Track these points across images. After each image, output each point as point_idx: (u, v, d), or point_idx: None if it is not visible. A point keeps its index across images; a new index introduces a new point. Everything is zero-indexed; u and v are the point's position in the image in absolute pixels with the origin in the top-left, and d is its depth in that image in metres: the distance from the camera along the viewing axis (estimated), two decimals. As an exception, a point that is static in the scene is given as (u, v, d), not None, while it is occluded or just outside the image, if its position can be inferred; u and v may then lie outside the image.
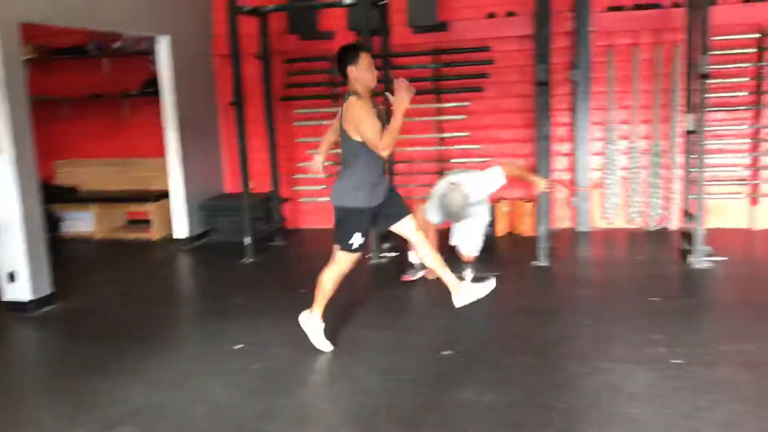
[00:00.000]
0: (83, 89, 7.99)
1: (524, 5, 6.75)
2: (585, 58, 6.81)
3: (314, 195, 7.66)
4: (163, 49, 6.85)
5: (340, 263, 3.96)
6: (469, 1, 7.07)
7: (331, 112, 7.42)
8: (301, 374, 3.77)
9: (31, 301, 5.03)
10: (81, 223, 7.79)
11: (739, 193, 6.77)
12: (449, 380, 3.54)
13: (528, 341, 4.12)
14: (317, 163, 4.37)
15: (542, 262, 5.82)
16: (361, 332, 4.36)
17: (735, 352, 3.75)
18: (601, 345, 3.97)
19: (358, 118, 3.67)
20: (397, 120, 3.61)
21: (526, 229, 7.00)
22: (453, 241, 5.96)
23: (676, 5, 6.48)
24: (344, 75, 3.83)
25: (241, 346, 4.19)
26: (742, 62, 6.51)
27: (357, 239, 3.88)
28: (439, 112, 7.27)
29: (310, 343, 4.03)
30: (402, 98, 3.61)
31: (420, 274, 5.49)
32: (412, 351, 3.99)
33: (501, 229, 7.09)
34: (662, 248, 6.25)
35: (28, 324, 4.91)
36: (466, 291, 4.25)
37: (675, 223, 6.89)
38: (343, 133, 3.83)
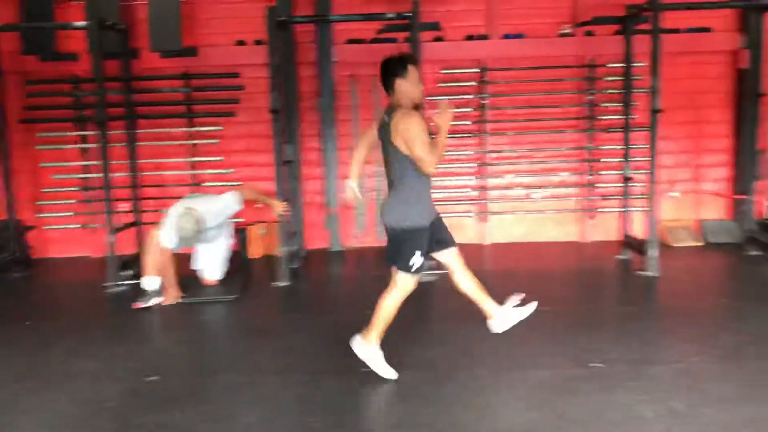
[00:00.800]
0: None
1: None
2: (329, 87, 7.19)
3: (62, 222, 7.31)
4: None
5: (402, 287, 3.75)
6: (218, 28, 7.20)
7: (77, 135, 7.19)
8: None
9: None
10: None
11: (470, 211, 7.46)
12: (146, 405, 3.55)
13: (237, 360, 4.25)
14: (352, 191, 3.98)
15: (283, 282, 6.01)
16: (73, 361, 4.23)
17: (421, 359, 4.14)
18: (303, 360, 4.20)
19: (413, 134, 3.47)
20: (443, 139, 3.54)
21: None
22: (195, 265, 6.00)
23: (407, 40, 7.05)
24: (389, 87, 3.63)
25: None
26: (466, 94, 7.22)
27: (417, 259, 3.71)
28: (192, 136, 7.27)
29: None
30: (447, 117, 3.57)
31: (154, 301, 5.43)
32: (118, 378, 3.95)
33: (256, 251, 7.22)
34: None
35: None
36: (505, 316, 4.07)
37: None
38: (392, 149, 3.60)
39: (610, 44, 6.95)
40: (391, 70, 3.61)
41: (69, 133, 7.15)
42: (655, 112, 5.82)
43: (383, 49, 7.00)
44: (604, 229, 7.41)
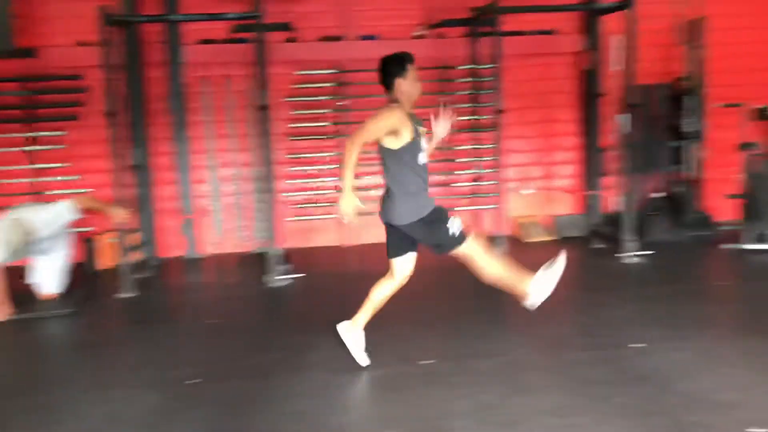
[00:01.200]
0: None
1: (115, 34, 6.68)
2: (179, 88, 6.96)
3: None
4: None
5: (476, 254, 3.68)
6: (59, 28, 6.81)
7: None
8: None
9: None
10: None
11: (330, 214, 7.42)
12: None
13: (53, 378, 4.00)
14: (351, 202, 3.64)
15: (127, 293, 5.75)
16: None
17: (248, 366, 4.04)
18: (125, 375, 4.01)
19: (368, 121, 3.53)
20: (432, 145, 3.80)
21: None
22: (31, 279, 5.64)
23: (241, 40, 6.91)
24: (388, 86, 3.66)
25: None
26: (322, 95, 7.17)
27: (455, 224, 3.66)
28: (33, 141, 6.84)
29: None
30: (445, 126, 3.85)
31: None
32: None
33: (105, 262, 6.87)
34: (256, 270, 6.53)
35: None
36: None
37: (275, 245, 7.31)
38: (380, 145, 3.65)
39: (462, 46, 7.10)
40: (391, 69, 3.66)
41: None
42: (498, 112, 5.96)
43: (235, 50, 6.93)
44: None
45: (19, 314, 5.17)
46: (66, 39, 6.78)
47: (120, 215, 5.66)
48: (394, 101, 3.68)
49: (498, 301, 5.22)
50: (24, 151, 6.83)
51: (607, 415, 3.19)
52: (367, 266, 6.78)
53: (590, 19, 7.23)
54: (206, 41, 6.94)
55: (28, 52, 6.64)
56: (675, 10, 7.15)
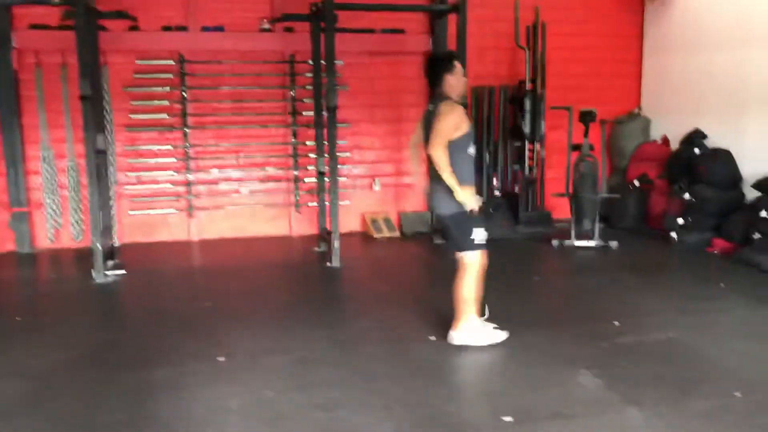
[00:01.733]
0: None
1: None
2: (8, 75, 6.62)
3: None
4: None
5: (471, 267, 3.93)
6: None
7: None
8: None
9: None
10: None
11: (173, 207, 7.26)
12: None
13: None
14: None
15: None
16: None
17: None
18: None
19: (442, 124, 3.76)
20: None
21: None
22: None
23: (100, 28, 6.68)
24: (437, 82, 3.92)
25: None
26: (164, 86, 7.01)
27: (479, 233, 3.92)
28: None
29: None
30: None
31: None
32: None
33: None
34: (86, 265, 6.29)
35: None
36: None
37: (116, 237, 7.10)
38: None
39: (308, 41, 7.10)
40: (441, 66, 3.96)
41: None
42: (330, 109, 6.01)
43: (71, 36, 6.65)
44: (312, 222, 7.56)
45: None
46: None
47: None
48: (443, 97, 3.93)
49: (319, 299, 5.33)
50: None
51: (374, 408, 3.28)
52: (205, 261, 6.72)
53: (435, 20, 7.39)
54: (37, 26, 6.62)
55: None
56: (518, 14, 7.42)
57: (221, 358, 3.96)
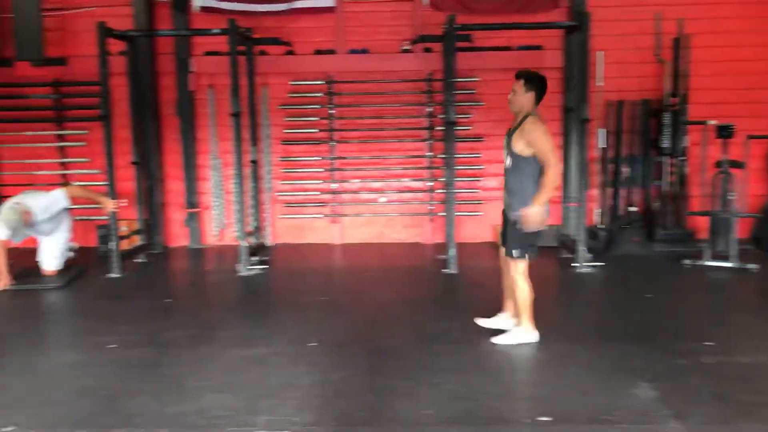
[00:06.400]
0: None
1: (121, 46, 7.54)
2: (187, 95, 7.76)
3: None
4: None
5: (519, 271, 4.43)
6: (87, 39, 7.72)
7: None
8: None
9: None
10: None
11: (321, 213, 8.01)
12: None
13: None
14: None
15: (114, 274, 6.56)
16: None
17: (162, 338, 4.70)
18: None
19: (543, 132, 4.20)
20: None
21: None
22: (38, 256, 6.56)
23: (262, 53, 7.63)
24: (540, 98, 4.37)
25: None
26: (315, 104, 7.79)
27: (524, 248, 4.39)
28: (62, 139, 7.85)
29: None
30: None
31: None
32: None
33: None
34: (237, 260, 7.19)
35: None
36: (513, 335, 4.49)
37: (269, 238, 8.00)
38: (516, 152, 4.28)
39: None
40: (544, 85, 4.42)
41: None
42: (449, 124, 6.36)
43: (238, 61, 7.62)
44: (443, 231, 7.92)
45: (16, 285, 6.07)
46: (90, 50, 7.68)
47: (109, 205, 6.49)
48: (532, 114, 4.31)
49: (420, 300, 5.69)
50: (54, 147, 7.85)
51: (422, 398, 3.61)
52: (339, 262, 7.34)
53: (567, 36, 7.45)
54: (210, 53, 7.70)
55: (58, 61, 7.63)
56: (659, 27, 7.27)
57: (313, 344, 4.49)
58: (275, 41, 7.40)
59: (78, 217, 7.36)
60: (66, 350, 4.51)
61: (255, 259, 6.74)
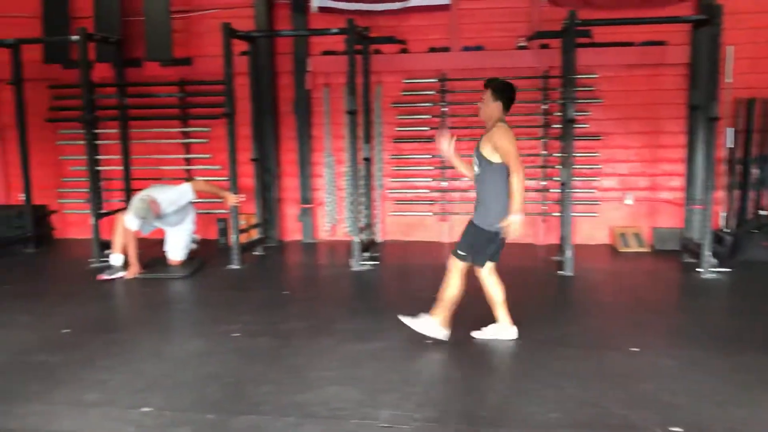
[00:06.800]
0: None
1: (243, 46, 7.81)
2: (303, 94, 7.95)
3: (77, 207, 8.39)
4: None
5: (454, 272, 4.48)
6: (210, 40, 8.07)
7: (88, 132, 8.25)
8: None
9: None
10: None
11: (430, 211, 8.01)
12: (47, 349, 4.43)
13: (135, 321, 5.09)
14: None
15: (235, 265, 6.82)
16: (12, 315, 5.19)
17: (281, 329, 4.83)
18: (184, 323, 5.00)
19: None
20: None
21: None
22: (165, 246, 6.91)
23: (377, 52, 7.71)
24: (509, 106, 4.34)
25: None
26: (427, 102, 7.79)
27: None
28: (186, 136, 8.23)
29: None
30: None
31: (118, 274, 6.36)
32: (39, 329, 4.86)
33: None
34: (350, 256, 7.27)
35: None
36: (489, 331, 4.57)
37: (378, 234, 8.07)
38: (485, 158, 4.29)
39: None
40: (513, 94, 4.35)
41: (80, 131, 8.22)
42: (568, 122, 6.19)
43: (354, 60, 7.74)
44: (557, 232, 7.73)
45: (145, 274, 6.42)
46: (214, 50, 8.01)
47: (232, 199, 6.75)
48: (500, 121, 4.28)
49: (534, 302, 5.58)
50: (179, 144, 8.24)
51: (548, 401, 3.53)
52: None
53: (694, 30, 7.09)
54: (327, 52, 7.85)
55: (184, 61, 8.00)
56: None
57: (429, 341, 4.48)
58: (390, 40, 7.46)
59: (199, 211, 7.68)
60: (193, 338, 4.71)
61: (366, 255, 6.82)
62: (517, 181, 4.11)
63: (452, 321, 4.49)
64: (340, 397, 3.62)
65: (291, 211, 8.30)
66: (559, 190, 7.31)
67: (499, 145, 4.15)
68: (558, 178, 7.50)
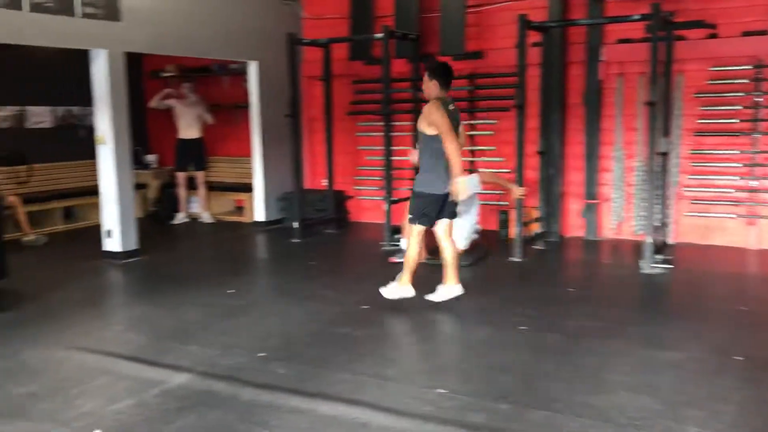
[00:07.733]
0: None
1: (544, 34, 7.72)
2: (594, 84, 7.65)
3: (370, 194, 9.06)
4: (252, 72, 8.67)
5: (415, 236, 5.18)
6: (502, 33, 8.11)
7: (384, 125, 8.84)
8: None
9: (120, 252, 6.98)
10: (194, 205, 9.82)
11: (734, 213, 7.21)
12: (348, 321, 4.85)
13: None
14: None
15: (515, 258, 6.82)
16: (315, 287, 5.76)
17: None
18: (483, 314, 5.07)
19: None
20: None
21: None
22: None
23: (679, 38, 7.13)
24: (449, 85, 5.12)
25: (232, 291, 5.78)
26: (738, 91, 7.01)
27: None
28: (472, 128, 8.41)
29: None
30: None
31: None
32: (341, 304, 5.33)
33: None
34: (638, 257, 6.81)
35: (117, 268, 6.86)
36: (445, 292, 5.23)
37: (670, 235, 7.48)
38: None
39: None
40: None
41: (378, 123, 8.81)
42: None
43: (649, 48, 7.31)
44: None
45: (428, 259, 6.70)
46: (505, 42, 8.05)
47: (517, 192, 6.75)
48: (436, 98, 4.95)
49: None
50: (467, 135, 8.45)
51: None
52: (758, 269, 6.53)
53: None
54: (623, 41, 7.45)
55: (476, 54, 8.17)
56: None
57: (739, 357, 4.04)
58: (699, 24, 6.83)
59: (481, 202, 7.79)
60: (481, 326, 4.80)
61: (659, 257, 6.37)
62: (451, 149, 4.72)
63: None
64: (636, 405, 3.42)
65: (574, 206, 8.05)
66: None
67: (431, 120, 4.77)
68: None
